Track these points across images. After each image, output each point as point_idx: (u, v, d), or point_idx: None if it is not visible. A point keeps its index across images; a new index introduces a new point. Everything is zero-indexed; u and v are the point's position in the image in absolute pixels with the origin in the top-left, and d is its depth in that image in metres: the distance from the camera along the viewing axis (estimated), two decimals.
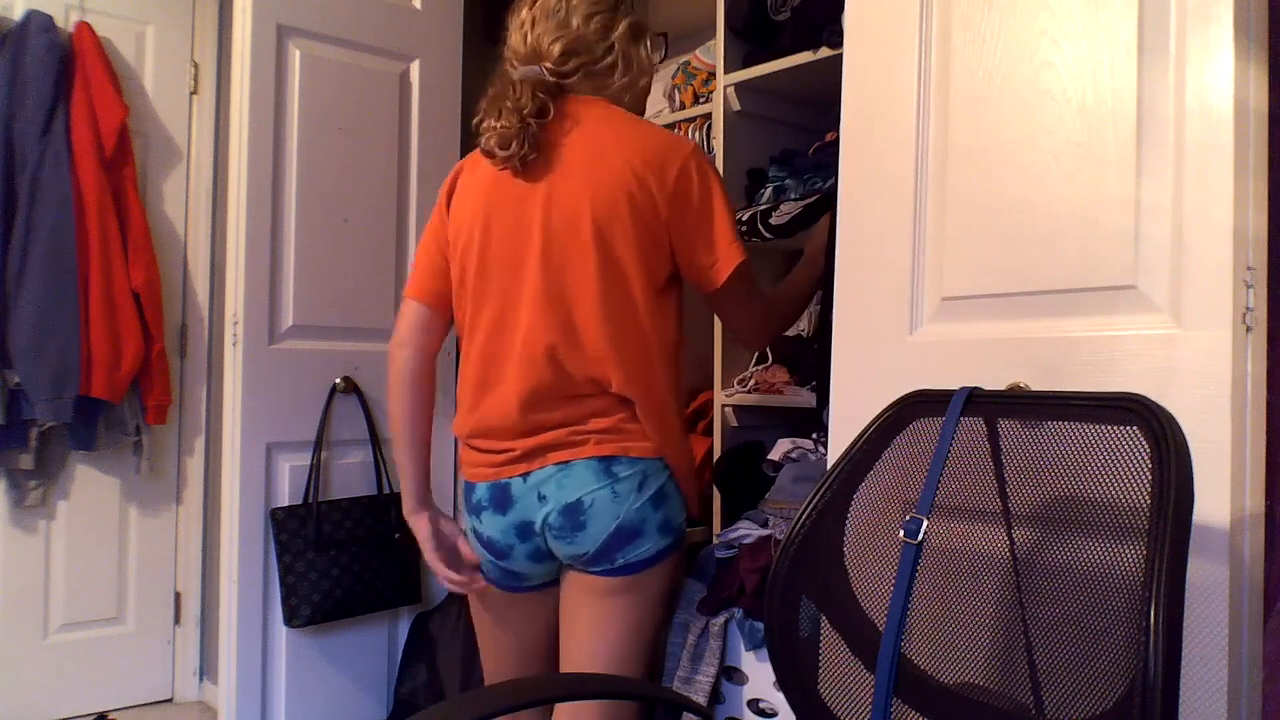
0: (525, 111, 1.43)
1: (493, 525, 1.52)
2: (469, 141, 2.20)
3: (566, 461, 1.47)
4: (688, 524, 1.59)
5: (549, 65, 1.49)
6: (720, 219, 1.49)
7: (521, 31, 1.52)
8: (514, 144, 1.43)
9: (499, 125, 1.44)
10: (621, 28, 1.53)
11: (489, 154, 1.48)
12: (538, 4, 1.52)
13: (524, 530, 1.50)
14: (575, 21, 1.50)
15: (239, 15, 2.20)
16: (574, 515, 1.45)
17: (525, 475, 1.50)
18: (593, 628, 1.50)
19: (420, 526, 1.64)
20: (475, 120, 1.53)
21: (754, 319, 1.60)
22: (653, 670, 1.62)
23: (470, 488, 1.57)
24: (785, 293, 1.70)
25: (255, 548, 2.20)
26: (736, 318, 1.59)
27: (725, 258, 1.48)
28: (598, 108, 1.50)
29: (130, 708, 2.84)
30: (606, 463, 1.46)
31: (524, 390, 1.47)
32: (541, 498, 1.48)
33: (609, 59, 1.52)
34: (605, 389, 1.47)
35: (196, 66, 2.96)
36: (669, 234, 1.47)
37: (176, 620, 2.95)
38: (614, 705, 1.54)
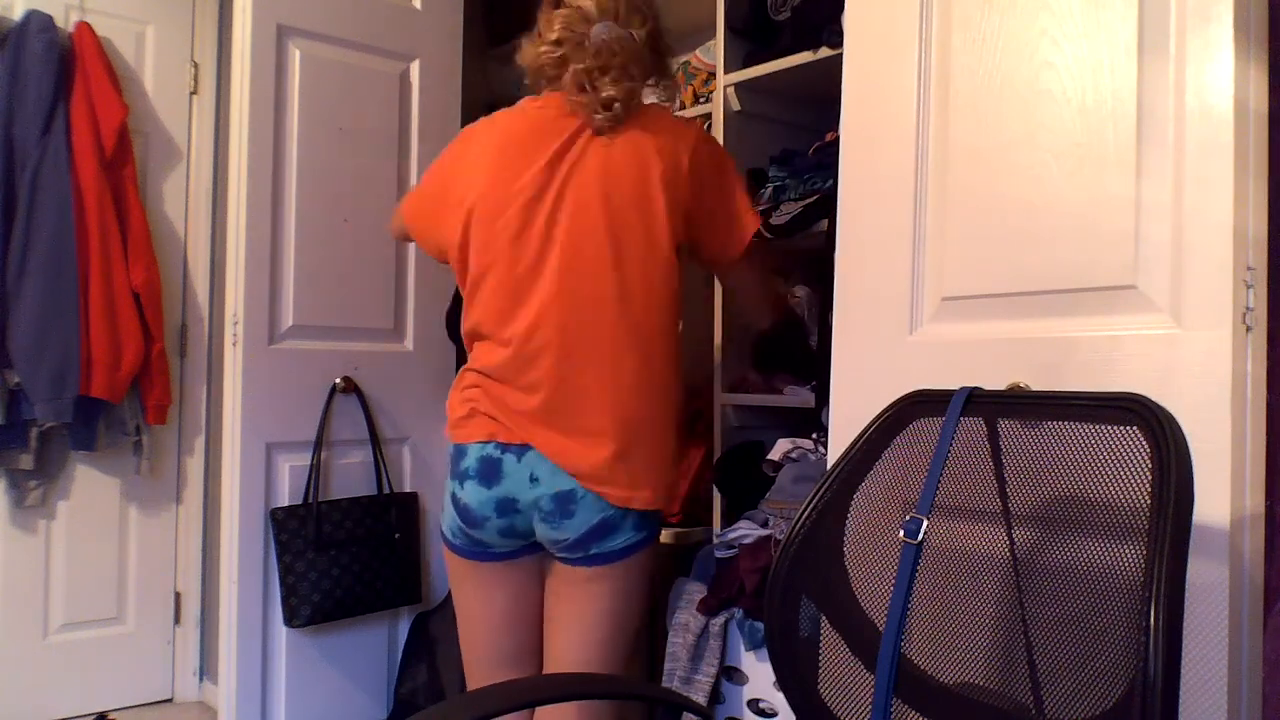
0: (635, 77, 1.53)
1: (474, 495, 1.54)
2: None
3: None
4: (663, 518, 1.65)
5: (635, 31, 1.57)
6: (740, 192, 1.62)
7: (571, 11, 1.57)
8: (615, 108, 1.51)
9: (606, 83, 1.51)
10: (653, 26, 1.64)
11: (598, 109, 1.52)
12: None
13: (504, 506, 1.53)
14: (651, 13, 1.63)
15: (239, 15, 2.20)
16: (565, 504, 1.51)
17: (521, 454, 1.52)
18: (573, 613, 1.57)
19: None
20: (544, 52, 1.57)
21: (766, 289, 1.70)
22: (638, 657, 1.67)
23: (460, 452, 1.58)
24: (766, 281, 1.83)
25: (255, 548, 2.20)
26: (751, 284, 1.71)
27: (749, 223, 1.61)
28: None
29: (130, 708, 2.84)
30: None
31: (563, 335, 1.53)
32: (534, 479, 1.51)
33: (660, 49, 1.65)
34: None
35: (196, 66, 2.96)
36: (689, 210, 1.56)
37: (176, 620, 2.95)
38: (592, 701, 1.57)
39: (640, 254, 1.53)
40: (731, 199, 1.64)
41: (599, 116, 1.51)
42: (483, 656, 1.65)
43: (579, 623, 1.57)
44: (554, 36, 1.56)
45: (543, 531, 1.54)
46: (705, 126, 2.34)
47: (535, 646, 1.66)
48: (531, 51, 1.60)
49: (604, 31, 1.53)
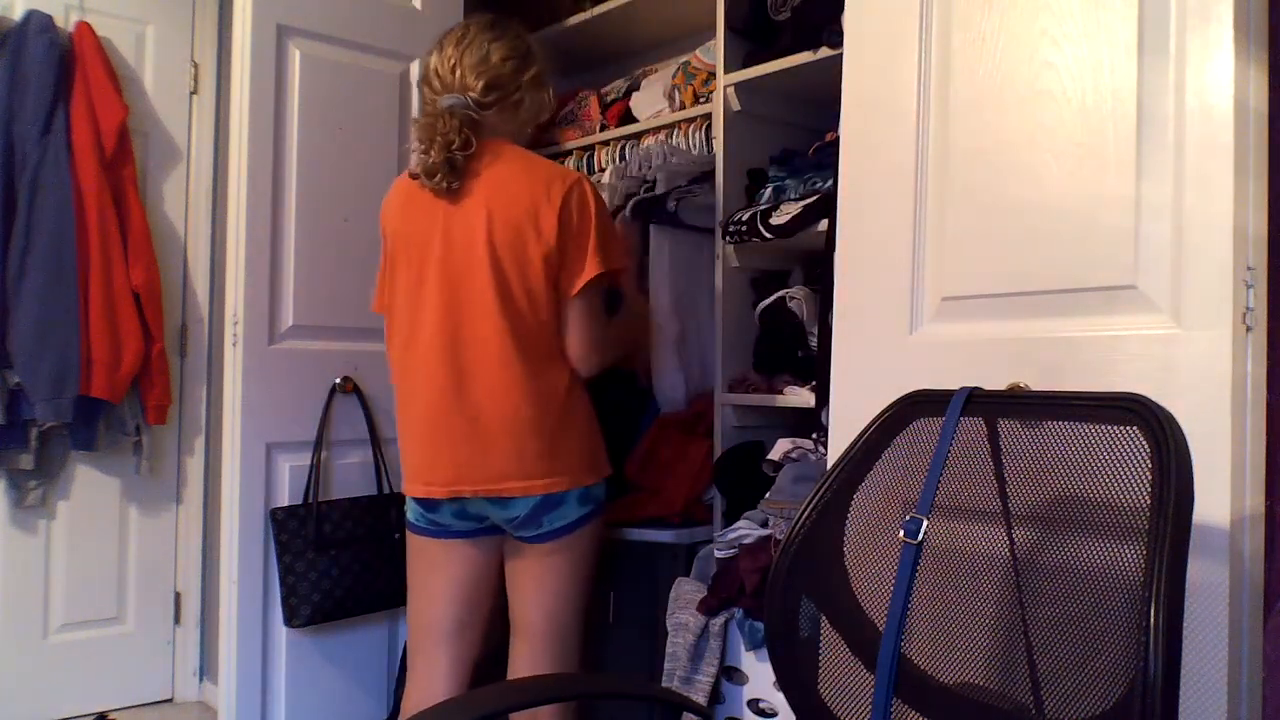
0: (453, 146, 1.68)
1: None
2: None
3: None
4: (605, 487, 1.83)
5: (473, 96, 1.73)
6: (594, 236, 1.73)
7: (448, 64, 1.76)
8: (439, 175, 1.68)
9: (430, 158, 1.68)
10: (530, 73, 1.80)
11: (416, 178, 1.73)
12: (463, 42, 1.77)
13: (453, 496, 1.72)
14: (494, 60, 1.76)
15: (239, 15, 2.20)
16: (503, 497, 1.70)
17: None
18: (533, 584, 1.77)
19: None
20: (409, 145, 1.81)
21: (592, 339, 1.77)
22: (589, 621, 1.86)
23: None
24: (617, 325, 1.92)
25: (255, 548, 2.20)
26: (578, 330, 1.76)
27: (589, 267, 1.72)
28: (505, 145, 1.76)
29: (130, 708, 2.84)
30: None
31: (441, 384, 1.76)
32: None
33: (517, 96, 1.79)
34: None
35: (196, 66, 2.96)
36: (557, 249, 1.71)
37: (176, 620, 2.95)
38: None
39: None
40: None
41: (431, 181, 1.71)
42: (429, 624, 1.81)
43: (543, 593, 1.76)
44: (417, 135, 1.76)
45: (493, 513, 1.73)
46: (705, 126, 2.34)
47: (481, 619, 1.85)
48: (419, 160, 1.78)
49: (442, 104, 1.74)
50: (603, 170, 2.56)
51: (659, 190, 2.22)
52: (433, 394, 1.71)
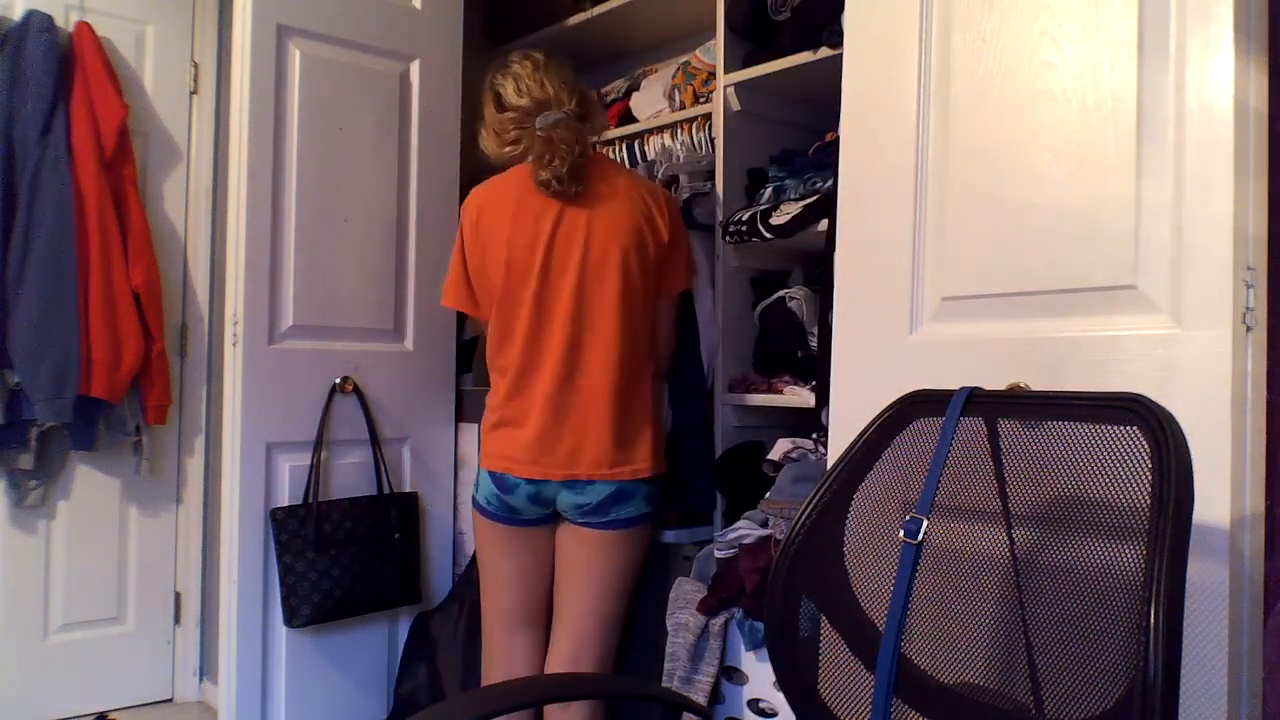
0: (577, 154, 1.80)
1: None
2: (469, 141, 2.21)
3: None
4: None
5: (571, 109, 1.86)
6: (686, 243, 1.97)
7: (534, 79, 1.88)
8: (565, 181, 1.79)
9: (556, 166, 1.79)
10: (596, 93, 1.98)
11: (546, 185, 1.81)
12: (541, 66, 1.89)
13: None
14: (573, 79, 1.90)
15: (239, 15, 2.20)
16: (588, 481, 1.81)
17: None
18: (589, 569, 1.86)
19: None
20: (508, 150, 1.92)
21: (673, 338, 2.00)
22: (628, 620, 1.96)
23: None
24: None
25: (255, 548, 2.20)
26: (667, 330, 1.98)
27: (686, 272, 1.96)
28: (600, 156, 1.91)
29: (130, 708, 2.84)
30: None
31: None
32: None
33: (594, 112, 1.94)
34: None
35: (196, 66, 2.96)
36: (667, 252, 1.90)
37: (176, 620, 2.95)
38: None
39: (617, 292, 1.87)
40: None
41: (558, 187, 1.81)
42: (506, 608, 1.93)
43: (597, 580, 1.86)
44: (510, 136, 1.90)
45: (566, 498, 1.83)
46: (705, 126, 2.34)
47: (547, 604, 1.95)
48: (495, 148, 1.94)
49: (546, 120, 1.85)
50: None
51: (684, 192, 2.23)
52: (549, 384, 1.82)
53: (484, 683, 2.02)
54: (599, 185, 1.85)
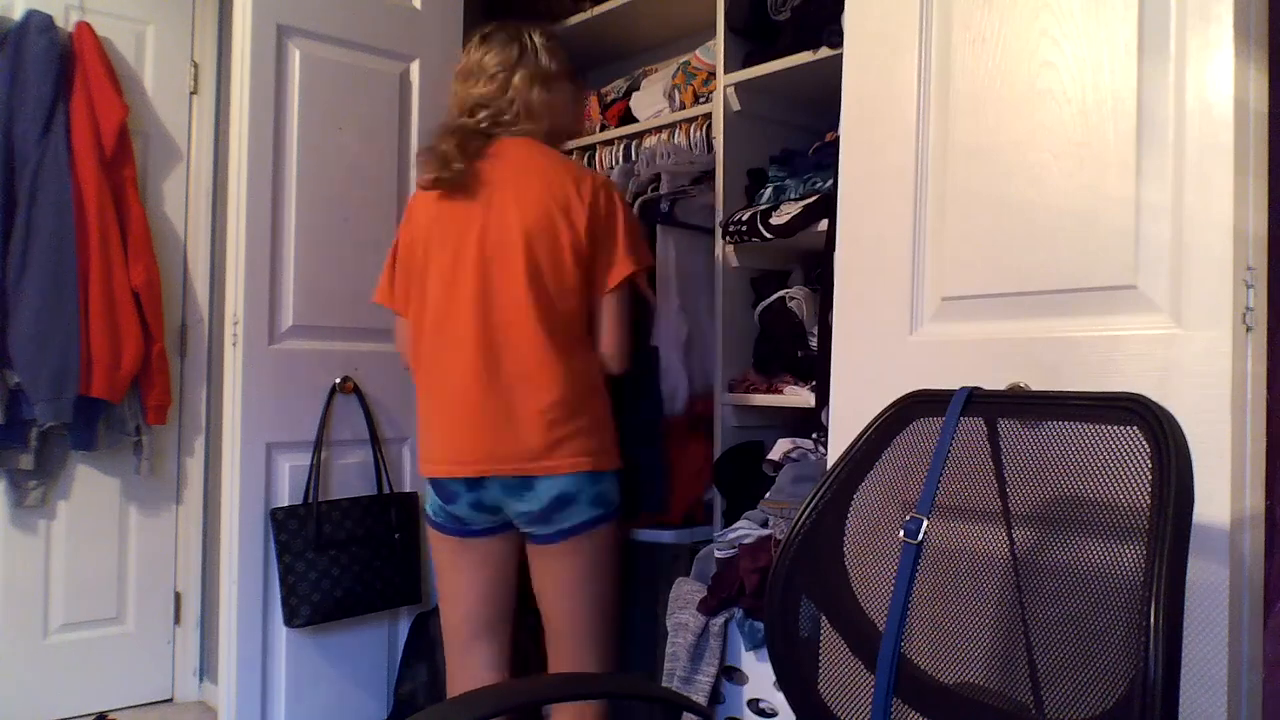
0: (449, 158, 1.77)
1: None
2: None
3: None
4: (619, 489, 1.83)
5: (466, 119, 1.82)
6: (623, 234, 1.79)
7: (452, 90, 1.88)
8: (439, 179, 1.77)
9: (433, 171, 1.78)
10: (518, 80, 1.82)
11: (425, 188, 1.80)
12: (460, 68, 1.87)
13: (473, 481, 1.75)
14: (482, 81, 1.83)
15: (239, 15, 2.20)
16: (528, 478, 1.72)
17: None
18: (551, 585, 1.80)
19: None
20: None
21: (622, 338, 1.83)
22: (617, 622, 1.89)
23: None
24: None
25: (255, 548, 2.20)
26: (612, 328, 1.81)
27: (621, 265, 1.78)
28: (523, 145, 1.81)
29: (130, 708, 2.84)
30: None
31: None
32: None
33: (514, 109, 1.82)
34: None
35: (196, 66, 2.96)
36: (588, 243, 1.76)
37: (176, 620, 2.95)
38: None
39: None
40: None
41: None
42: (458, 624, 1.86)
43: (564, 591, 1.78)
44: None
45: (510, 504, 1.75)
46: (705, 126, 2.35)
47: (509, 615, 1.89)
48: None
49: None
50: (610, 169, 2.56)
51: (664, 190, 2.23)
52: (466, 376, 1.74)
53: (448, 696, 1.95)
54: (511, 172, 1.77)
